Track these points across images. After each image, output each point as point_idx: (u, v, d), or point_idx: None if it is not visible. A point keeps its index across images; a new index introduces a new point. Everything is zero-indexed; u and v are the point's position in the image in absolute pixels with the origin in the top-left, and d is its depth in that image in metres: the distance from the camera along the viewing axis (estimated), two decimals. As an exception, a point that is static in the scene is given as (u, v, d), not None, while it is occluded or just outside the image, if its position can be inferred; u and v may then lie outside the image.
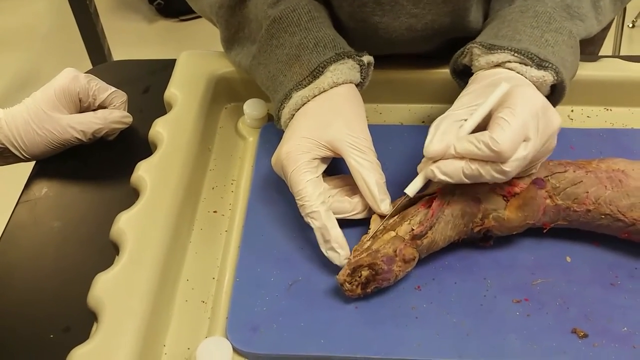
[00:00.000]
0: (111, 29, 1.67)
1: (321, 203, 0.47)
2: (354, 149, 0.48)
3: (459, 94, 0.56)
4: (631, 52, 1.85)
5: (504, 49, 0.50)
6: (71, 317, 0.49)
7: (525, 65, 0.49)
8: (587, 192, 0.48)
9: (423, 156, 0.46)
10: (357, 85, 0.54)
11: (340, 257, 0.46)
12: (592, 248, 0.50)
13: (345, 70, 0.52)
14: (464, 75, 0.55)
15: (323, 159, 0.50)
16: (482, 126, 0.46)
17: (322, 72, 0.51)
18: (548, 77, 0.49)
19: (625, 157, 0.50)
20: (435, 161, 0.45)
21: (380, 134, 0.59)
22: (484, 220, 0.48)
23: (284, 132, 0.53)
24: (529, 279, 0.48)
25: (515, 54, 0.49)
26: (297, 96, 0.51)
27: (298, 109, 0.51)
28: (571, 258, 0.50)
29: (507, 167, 0.43)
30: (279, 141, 0.59)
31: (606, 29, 0.76)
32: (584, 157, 0.51)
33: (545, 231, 0.49)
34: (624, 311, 0.46)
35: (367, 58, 0.54)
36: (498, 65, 0.50)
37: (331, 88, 0.51)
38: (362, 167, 0.48)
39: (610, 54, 1.51)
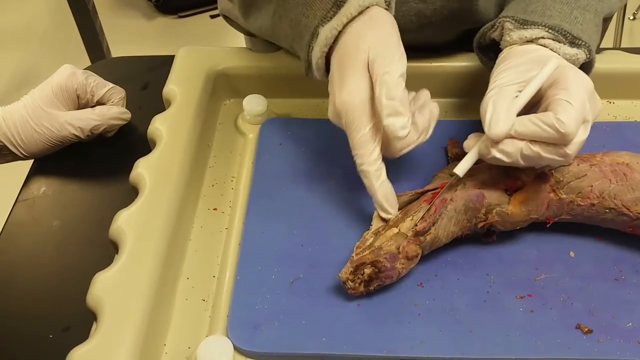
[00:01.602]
0: (110, 27, 1.66)
1: (374, 160, 0.46)
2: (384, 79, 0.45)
3: (463, 89, 0.55)
4: (632, 45, 1.84)
5: (538, 25, 0.49)
6: (71, 317, 0.48)
7: (559, 42, 0.49)
8: (591, 186, 0.47)
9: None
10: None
11: (387, 216, 0.47)
12: (596, 242, 0.50)
13: None
14: (487, 50, 0.54)
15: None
16: (529, 104, 0.45)
17: (346, 0, 0.47)
18: (581, 55, 0.49)
19: (629, 150, 0.50)
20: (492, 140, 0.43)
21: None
22: (487, 215, 0.47)
23: (316, 78, 0.51)
24: (533, 274, 0.48)
25: (549, 31, 0.48)
26: (325, 30, 0.48)
27: (330, 46, 0.48)
28: (575, 253, 0.49)
29: (569, 150, 0.43)
30: (279, 137, 0.58)
31: (607, 21, 0.76)
32: (587, 151, 0.50)
33: (548, 225, 0.49)
34: (629, 306, 0.45)
35: None
36: (530, 41, 0.49)
37: (359, 13, 0.48)
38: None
39: (612, 46, 1.50)
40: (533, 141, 0.43)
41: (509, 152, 0.43)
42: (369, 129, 0.46)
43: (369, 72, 0.46)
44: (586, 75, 0.46)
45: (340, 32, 0.48)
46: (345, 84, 0.46)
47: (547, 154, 0.43)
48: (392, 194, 0.47)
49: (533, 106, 0.46)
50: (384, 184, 0.46)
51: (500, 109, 0.44)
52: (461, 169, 0.46)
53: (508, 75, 0.47)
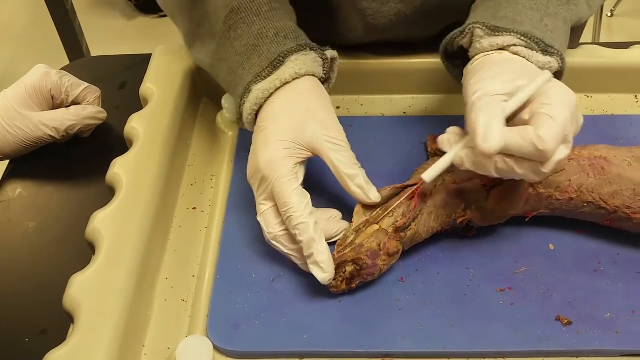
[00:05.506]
0: (89, 26, 1.64)
1: (309, 214, 0.44)
2: (333, 147, 0.46)
3: (442, 85, 0.54)
4: (610, 41, 1.87)
5: (509, 32, 0.47)
6: (48, 320, 0.47)
7: (531, 50, 0.47)
8: (570, 180, 0.48)
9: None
10: (322, 83, 0.51)
11: (324, 274, 0.43)
12: (574, 235, 0.50)
13: (308, 61, 0.48)
14: (453, 58, 0.53)
15: (302, 162, 0.47)
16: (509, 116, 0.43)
17: (283, 62, 0.47)
18: (554, 63, 0.47)
19: (606, 144, 0.50)
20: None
21: (361, 126, 0.59)
22: (466, 211, 0.47)
23: (247, 130, 0.50)
24: (512, 267, 0.48)
25: (522, 38, 0.47)
26: (257, 89, 0.47)
27: (261, 105, 0.48)
28: (554, 246, 0.49)
29: (545, 169, 0.41)
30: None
31: (579, 29, 0.76)
32: (565, 145, 0.51)
33: (527, 220, 0.49)
34: (607, 297, 0.46)
35: (330, 53, 0.51)
36: (502, 48, 0.48)
37: (293, 80, 0.48)
38: (343, 165, 0.46)
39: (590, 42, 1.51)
40: (509, 155, 0.41)
41: (483, 164, 0.42)
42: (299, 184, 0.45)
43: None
44: (571, 91, 0.44)
45: (271, 94, 0.48)
46: (269, 148, 0.46)
47: (521, 170, 0.41)
48: (330, 258, 0.44)
49: (510, 118, 0.44)
50: (322, 241, 0.44)
51: (492, 122, 0.41)
52: (429, 175, 0.44)
53: (493, 84, 0.44)
